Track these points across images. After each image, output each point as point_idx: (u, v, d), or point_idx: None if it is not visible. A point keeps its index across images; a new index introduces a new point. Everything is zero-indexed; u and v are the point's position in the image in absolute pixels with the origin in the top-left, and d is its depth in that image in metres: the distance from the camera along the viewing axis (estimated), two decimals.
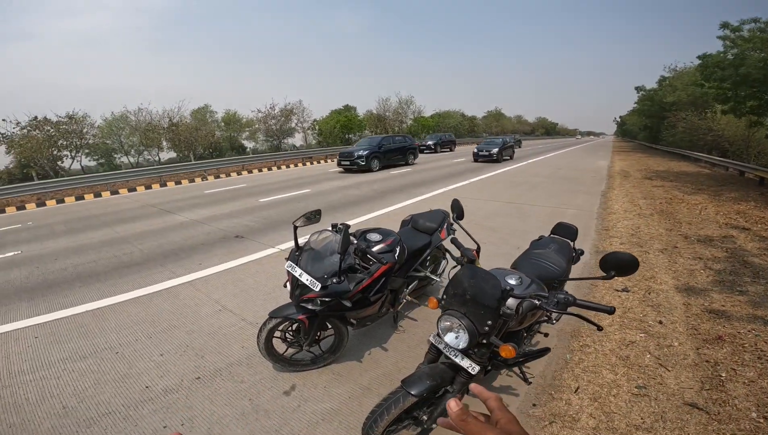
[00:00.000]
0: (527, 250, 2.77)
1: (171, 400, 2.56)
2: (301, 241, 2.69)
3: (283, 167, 20.34)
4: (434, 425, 2.01)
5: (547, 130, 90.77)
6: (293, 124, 32.01)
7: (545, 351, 2.08)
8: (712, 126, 19.42)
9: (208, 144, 25.49)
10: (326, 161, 23.10)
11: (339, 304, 2.49)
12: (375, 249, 2.79)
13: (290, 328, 2.79)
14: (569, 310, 1.67)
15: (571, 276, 2.61)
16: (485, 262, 4.77)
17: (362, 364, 2.92)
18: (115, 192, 13.89)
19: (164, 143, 24.76)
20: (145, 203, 10.90)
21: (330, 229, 2.75)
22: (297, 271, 2.48)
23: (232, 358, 3.02)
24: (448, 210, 3.83)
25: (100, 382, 2.81)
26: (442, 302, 1.95)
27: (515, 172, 14.79)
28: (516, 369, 2.54)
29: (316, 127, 34.84)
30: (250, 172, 18.65)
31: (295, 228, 2.61)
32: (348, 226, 2.55)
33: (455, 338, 1.84)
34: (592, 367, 2.84)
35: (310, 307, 2.49)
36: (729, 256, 5.10)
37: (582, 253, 2.93)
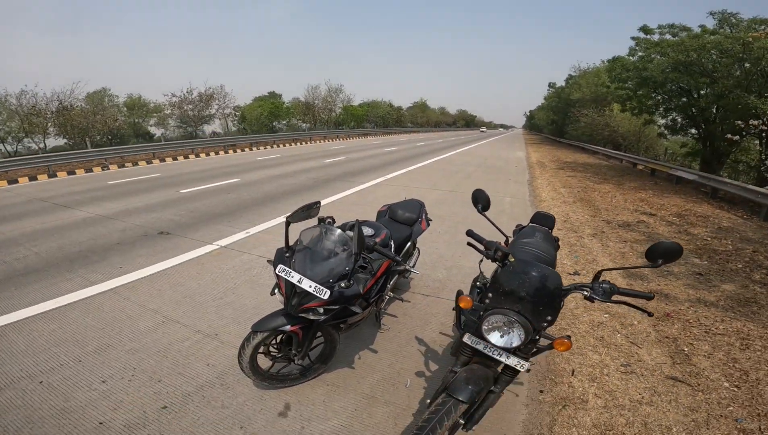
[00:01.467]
0: (514, 240, 2.74)
1: None
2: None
3: (203, 155, 18.55)
4: (473, 428, 1.87)
5: (467, 122, 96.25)
6: (213, 110, 29.44)
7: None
8: (610, 122, 22.13)
9: (107, 130, 22.25)
10: (251, 149, 21.63)
11: (346, 311, 2.16)
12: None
13: (275, 342, 2.38)
14: (614, 299, 1.67)
15: (610, 266, 2.64)
16: (446, 251, 4.83)
17: (356, 370, 2.66)
18: None
19: (51, 129, 21.04)
20: (32, 197, 9.05)
21: (318, 223, 2.35)
22: (294, 277, 2.06)
23: (200, 380, 2.54)
24: (409, 198, 3.73)
25: (33, 420, 2.17)
26: (487, 301, 1.79)
27: (447, 162, 15.30)
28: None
29: (238, 114, 32.52)
30: (163, 160, 16.64)
31: (288, 223, 2.19)
32: (359, 222, 2.22)
33: (502, 337, 1.72)
34: (577, 349, 2.97)
35: (311, 316, 2.11)
36: (648, 239, 5.78)
37: (558, 239, 2.99)
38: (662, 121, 15.48)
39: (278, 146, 23.85)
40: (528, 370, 2.44)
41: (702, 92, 12.36)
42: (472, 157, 17.81)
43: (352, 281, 2.09)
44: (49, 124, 20.63)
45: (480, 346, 1.78)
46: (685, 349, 3.01)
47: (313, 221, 2.36)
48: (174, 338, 2.99)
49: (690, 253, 5.24)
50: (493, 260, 1.90)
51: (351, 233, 2.23)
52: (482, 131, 71.43)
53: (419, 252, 3.78)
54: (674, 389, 2.56)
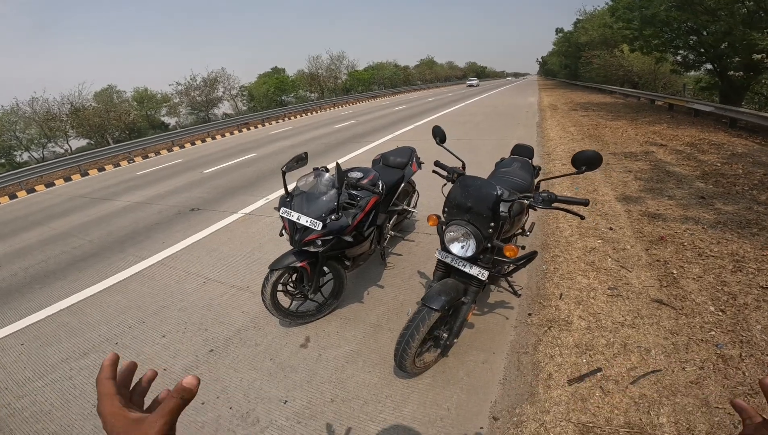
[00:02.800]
0: (495, 170, 3.01)
1: None
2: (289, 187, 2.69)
3: (218, 137, 19.04)
4: (455, 340, 2.22)
5: (478, 73, 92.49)
6: (220, 93, 29.70)
7: (534, 254, 2.28)
8: (623, 63, 21.05)
9: (123, 125, 22.97)
10: (263, 125, 21.96)
11: (340, 242, 2.55)
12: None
13: (290, 281, 2.81)
14: (553, 205, 1.91)
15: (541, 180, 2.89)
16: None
17: (365, 304, 3.07)
18: (31, 190, 12.22)
19: (71, 131, 21.90)
20: (72, 195, 9.82)
21: (313, 171, 2.76)
22: (294, 216, 2.48)
23: (237, 325, 3.00)
24: (401, 146, 3.99)
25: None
26: (444, 216, 2.12)
27: (457, 114, 15.21)
28: (505, 284, 2.78)
29: (245, 93, 32.62)
30: (182, 147, 17.26)
31: (284, 173, 2.59)
32: (338, 163, 2.58)
33: (462, 247, 2.03)
34: (567, 274, 3.17)
35: (312, 249, 2.52)
36: (653, 167, 5.84)
37: (540, 168, 3.24)
38: (674, 59, 14.70)
39: (289, 119, 24.04)
40: (519, 295, 2.77)
41: (709, 30, 11.66)
42: (482, 107, 17.52)
43: (341, 214, 2.49)
44: (67, 126, 21.48)
45: (448, 259, 2.10)
46: (675, 272, 3.03)
47: (307, 169, 2.78)
48: (214, 294, 3.50)
49: (695, 178, 5.24)
50: (451, 181, 2.23)
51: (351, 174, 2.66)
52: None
53: (418, 194, 4.13)
54: (658, 312, 2.60)
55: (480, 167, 5.60)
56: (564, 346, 2.39)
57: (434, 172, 2.52)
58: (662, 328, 2.46)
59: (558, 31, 40.27)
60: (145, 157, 15.78)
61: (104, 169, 14.15)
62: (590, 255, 3.43)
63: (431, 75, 62.33)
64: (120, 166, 14.60)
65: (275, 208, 2.75)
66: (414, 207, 3.98)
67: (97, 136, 21.64)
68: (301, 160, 2.71)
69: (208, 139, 18.48)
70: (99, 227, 6.18)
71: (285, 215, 2.53)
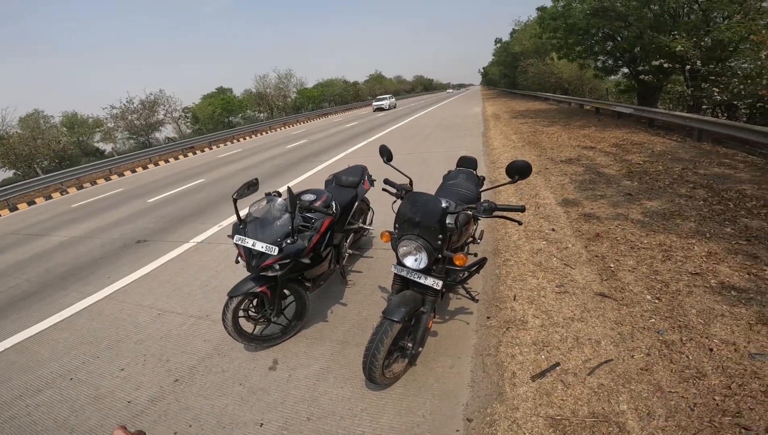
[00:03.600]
0: (442, 183, 3.18)
1: (164, 408, 2.46)
2: (242, 213, 2.68)
3: (162, 163, 18.18)
4: (420, 349, 2.31)
5: (425, 86, 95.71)
6: (161, 116, 28.38)
7: (484, 261, 2.43)
8: (554, 70, 22.84)
9: (53, 154, 21.26)
10: (211, 149, 21.24)
11: (297, 264, 2.58)
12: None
13: (251, 306, 2.79)
14: (494, 214, 2.08)
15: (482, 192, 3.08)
16: None
17: (329, 322, 3.09)
18: None
19: None
20: (1, 233, 8.94)
21: (265, 197, 2.77)
22: (249, 242, 2.48)
23: (200, 354, 2.94)
24: (353, 165, 4.07)
25: (75, 409, 2.56)
26: (395, 233, 2.22)
27: (407, 127, 15.65)
28: (463, 291, 2.90)
29: (189, 116, 31.44)
30: (121, 175, 16.28)
31: (235, 200, 2.57)
32: (289, 187, 2.62)
33: (415, 260, 2.14)
34: (518, 276, 3.34)
35: (270, 274, 2.53)
36: (586, 170, 6.37)
37: (484, 178, 3.44)
38: (595, 65, 16.20)
39: (239, 141, 23.46)
40: (477, 301, 2.89)
41: (622, 35, 12.95)
42: (430, 119, 18.17)
43: (296, 237, 2.52)
44: None
45: (403, 273, 2.20)
46: (612, 266, 3.24)
47: (259, 195, 2.81)
48: (172, 325, 3.38)
49: (622, 176, 5.79)
50: (400, 198, 2.35)
51: (306, 197, 2.73)
52: (449, 92, 70.04)
53: (373, 211, 4.24)
54: (602, 305, 2.77)
55: (432, 180, 5.83)
56: (523, 345, 2.51)
57: (384, 190, 2.63)
58: (608, 319, 2.63)
59: (497, 41, 42.91)
60: (80, 187, 14.71)
61: (35, 203, 13.03)
62: (537, 256, 3.63)
63: (381, 90, 63.66)
64: (52, 198, 13.49)
65: (228, 236, 2.73)
66: (369, 224, 4.07)
67: (24, 167, 19.81)
68: (252, 186, 2.71)
69: (151, 166, 17.60)
70: (36, 265, 5.72)
71: (239, 242, 2.53)
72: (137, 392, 2.63)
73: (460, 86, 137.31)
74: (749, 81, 8.71)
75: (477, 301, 2.94)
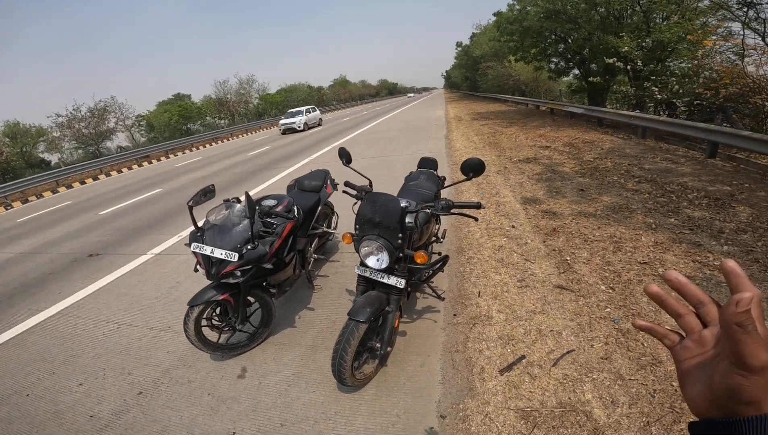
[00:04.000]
0: (404, 184, 3.23)
1: (129, 421, 2.37)
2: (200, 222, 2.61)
3: (114, 173, 17.26)
4: (389, 349, 2.33)
5: (390, 90, 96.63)
6: (112, 124, 26.91)
7: (446, 258, 2.49)
8: (511, 73, 23.74)
9: None
10: (167, 157, 20.39)
11: (259, 270, 2.52)
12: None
13: (214, 314, 2.71)
14: (452, 211, 2.15)
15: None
16: None
17: (297, 328, 3.04)
18: None
19: None
20: None
21: (223, 203, 2.71)
22: (207, 250, 2.41)
23: (164, 365, 2.83)
24: (315, 169, 4.05)
25: (35, 424, 2.41)
26: (356, 234, 2.23)
27: (372, 131, 15.72)
28: (429, 290, 2.94)
29: (143, 123, 30.05)
30: (69, 187, 15.30)
31: (191, 208, 2.49)
32: (247, 192, 2.56)
33: (377, 260, 2.16)
34: (482, 272, 3.43)
35: (231, 281, 2.46)
36: (542, 168, 6.66)
37: (444, 178, 3.52)
38: (548, 66, 17.00)
39: (198, 149, 22.65)
40: (443, 299, 2.94)
41: (572, 37, 13.68)
42: (395, 122, 18.36)
43: (257, 243, 2.47)
44: None
45: (366, 273, 2.22)
46: (568, 259, 3.38)
47: (217, 202, 2.75)
48: (131, 338, 3.23)
49: (576, 173, 6.13)
50: (360, 199, 2.38)
51: (269, 202, 2.70)
52: (410, 96, 68.51)
53: (338, 215, 4.23)
54: (561, 297, 2.86)
55: (396, 182, 5.85)
56: (489, 340, 2.57)
57: (344, 192, 2.66)
58: (567, 310, 2.73)
59: (458, 45, 43.90)
60: (25, 201, 13.70)
61: None
62: (499, 252, 3.75)
63: (345, 94, 63.60)
64: None
65: (186, 244, 2.64)
66: (334, 228, 4.05)
67: None
68: (208, 192, 2.64)
69: (102, 177, 16.68)
70: None
71: (197, 250, 2.45)
72: (99, 406, 2.52)
73: (423, 90, 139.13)
74: (686, 80, 9.39)
75: (443, 299, 2.99)
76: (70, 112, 24.66)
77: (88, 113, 25.10)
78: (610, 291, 2.87)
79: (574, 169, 6.45)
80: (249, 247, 2.44)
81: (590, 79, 13.21)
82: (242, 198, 2.81)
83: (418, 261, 2.09)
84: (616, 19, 11.74)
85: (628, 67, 11.08)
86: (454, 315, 2.91)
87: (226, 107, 34.56)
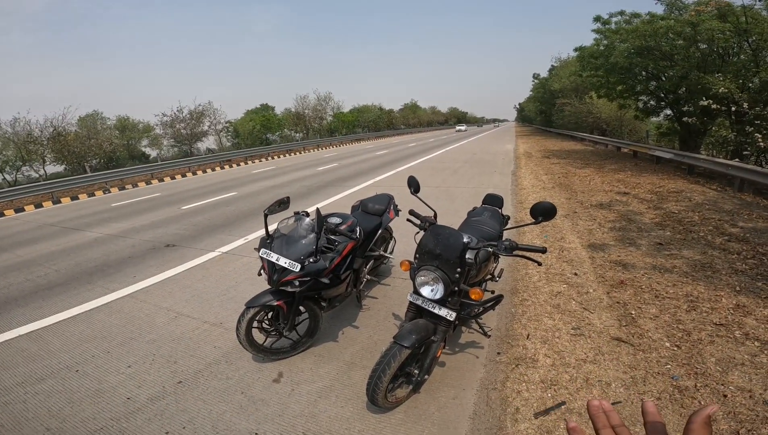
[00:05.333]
0: (466, 219, 3.20)
1: (161, 407, 2.51)
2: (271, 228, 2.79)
3: (200, 173, 19.05)
4: (426, 377, 2.33)
5: (459, 119, 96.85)
6: (205, 127, 29.92)
7: (500, 298, 2.44)
8: (591, 110, 22.59)
9: (103, 154, 22.71)
10: (246, 163, 22.13)
11: (316, 283, 2.64)
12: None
13: (266, 318, 2.85)
14: (515, 253, 2.11)
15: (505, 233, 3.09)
16: None
17: (339, 343, 3.10)
18: None
19: (48, 156, 21.48)
20: (42, 223, 9.54)
21: (294, 215, 2.89)
22: (273, 257, 2.59)
23: (208, 359, 2.99)
24: (380, 193, 4.16)
25: (73, 400, 2.64)
26: (415, 263, 2.27)
27: (437, 160, 15.76)
28: (476, 326, 2.87)
29: (230, 129, 33.03)
30: (161, 180, 17.16)
31: (266, 216, 2.70)
32: (318, 208, 2.73)
33: (431, 290, 2.17)
34: (534, 316, 3.32)
35: (289, 289, 2.61)
36: (617, 216, 6.19)
37: (509, 217, 3.45)
38: (636, 105, 15.87)
39: (273, 158, 24.34)
40: (489, 336, 2.87)
41: (666, 74, 12.66)
42: (461, 153, 18.28)
43: (318, 257, 2.61)
44: (46, 151, 21.09)
45: (419, 302, 2.24)
46: (633, 313, 3.23)
47: (288, 213, 2.94)
48: (186, 329, 3.47)
49: (655, 225, 5.62)
50: (423, 230, 2.46)
51: (333, 220, 2.88)
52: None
53: (395, 240, 4.27)
54: (617, 349, 2.77)
55: (456, 215, 5.82)
56: (530, 382, 2.50)
57: (408, 220, 2.75)
58: (621, 363, 2.61)
59: (535, 76, 42.84)
60: (122, 188, 15.58)
61: (78, 199, 13.86)
62: (556, 298, 3.59)
63: (414, 119, 64.85)
64: (95, 195, 14.34)
65: (255, 249, 2.84)
66: (391, 253, 4.09)
67: (74, 163, 21.23)
68: (283, 203, 2.86)
69: (189, 174, 18.46)
70: (67, 257, 6.04)
71: (265, 256, 2.63)
72: (138, 390, 2.69)
73: (494, 121, 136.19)
74: None
75: (489, 336, 2.91)
76: (174, 113, 27.72)
77: (188, 115, 28.12)
78: (675, 348, 2.74)
79: (654, 220, 5.91)
80: (311, 260, 2.58)
81: (684, 119, 12.08)
82: (310, 211, 2.98)
83: (473, 297, 2.11)
84: (720, 57, 10.75)
85: (732, 108, 9.97)
86: (498, 353, 2.85)
87: (303, 121, 36.89)
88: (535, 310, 3.42)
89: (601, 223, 5.82)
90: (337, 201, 8.64)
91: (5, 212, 11.88)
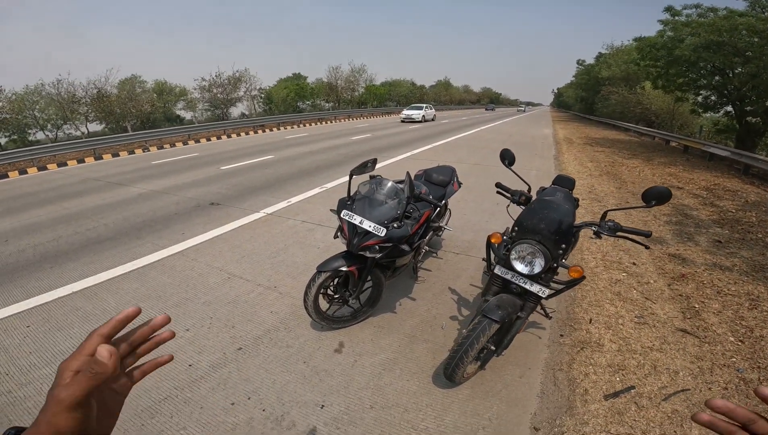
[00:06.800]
0: (537, 198, 3.06)
1: (224, 376, 2.44)
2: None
3: (234, 136, 19.24)
4: (503, 352, 2.32)
5: (491, 99, 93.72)
6: (241, 93, 30.06)
7: (582, 277, 2.31)
8: (641, 100, 21.35)
9: (142, 115, 23.26)
10: (278, 129, 22.20)
11: (394, 249, 2.54)
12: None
13: (332, 284, 2.76)
14: (618, 233, 2.03)
15: (579, 217, 2.97)
16: (473, 217, 5.19)
17: (397, 314, 3.08)
18: (42, 168, 12.25)
19: (91, 115, 22.21)
20: (85, 177, 9.84)
21: (372, 179, 2.79)
22: (356, 219, 2.47)
23: (266, 325, 2.95)
24: (442, 164, 4.05)
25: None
26: (513, 235, 2.20)
27: (472, 138, 15.38)
28: (538, 307, 2.82)
29: (263, 96, 33.11)
30: (197, 141, 17.42)
31: (351, 176, 2.61)
32: (408, 173, 2.64)
33: (526, 265, 2.10)
34: (595, 302, 3.28)
35: (368, 254, 2.49)
36: (673, 210, 5.92)
37: (578, 200, 3.29)
38: (695, 99, 14.93)
39: (304, 126, 24.31)
40: (550, 318, 2.81)
41: (736, 71, 11.88)
42: (497, 133, 17.76)
43: (402, 223, 2.51)
44: (90, 110, 21.77)
45: (508, 276, 2.17)
46: (696, 306, 3.24)
47: (367, 177, 2.85)
48: (240, 291, 3.44)
49: (712, 222, 5.37)
50: (518, 204, 2.41)
51: (400, 186, 2.73)
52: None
53: (450, 212, 4.20)
54: (683, 340, 2.80)
55: (497, 196, 5.64)
56: (597, 365, 2.53)
57: (498, 193, 2.71)
58: (688, 353, 2.67)
59: (579, 63, 40.78)
60: (160, 147, 15.91)
61: (118, 156, 14.26)
62: (616, 286, 3.55)
63: (446, 97, 63.15)
64: (135, 153, 14.71)
65: (332, 211, 2.77)
66: (447, 224, 4.01)
67: (114, 123, 21.87)
68: (370, 165, 2.70)
69: (224, 137, 18.68)
70: (114, 211, 6.11)
71: (347, 218, 2.51)
72: (199, 356, 2.61)
73: (528, 104, 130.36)
74: None
75: (551, 318, 2.84)
76: (213, 78, 27.90)
77: (226, 80, 28.24)
78: (739, 343, 2.79)
79: (710, 217, 5.64)
80: (395, 225, 2.47)
81: (747, 119, 11.32)
82: (378, 175, 2.89)
83: (573, 275, 2.05)
84: None
85: None
86: (561, 335, 2.85)
87: (335, 92, 36.49)
88: (596, 296, 3.38)
89: (655, 216, 5.57)
90: (378, 171, 8.55)
91: (48, 166, 12.32)
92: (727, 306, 3.26)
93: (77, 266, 4.09)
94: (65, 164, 12.74)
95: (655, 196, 1.91)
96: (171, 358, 0.54)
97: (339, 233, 2.68)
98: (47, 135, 22.97)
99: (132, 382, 0.50)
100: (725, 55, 11.17)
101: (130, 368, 0.50)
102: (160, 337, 0.52)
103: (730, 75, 12.18)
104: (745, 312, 3.18)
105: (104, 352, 0.42)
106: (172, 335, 0.54)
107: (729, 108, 13.69)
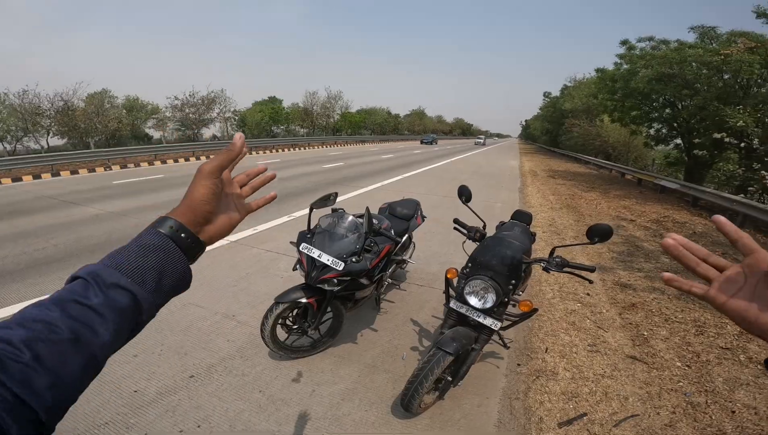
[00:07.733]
0: (495, 233, 3.17)
1: (173, 403, 2.38)
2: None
3: (203, 158, 18.91)
4: (460, 383, 2.37)
5: (463, 130, 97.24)
6: (214, 114, 29.74)
7: (535, 311, 2.41)
8: (600, 133, 22.78)
9: (108, 131, 22.51)
10: (251, 154, 22.01)
11: (353, 283, 2.58)
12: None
13: (291, 315, 2.77)
14: (565, 269, 2.14)
15: (532, 251, 3.10)
16: (439, 249, 5.27)
17: (358, 345, 3.06)
18: None
19: (54, 128, 21.31)
20: (39, 194, 9.32)
21: (334, 213, 2.85)
22: (315, 252, 2.50)
23: (221, 353, 2.88)
24: (407, 197, 4.17)
25: None
26: (467, 270, 2.28)
27: (442, 169, 15.80)
28: (496, 337, 2.88)
29: (237, 118, 32.93)
30: (164, 162, 17.01)
31: (311, 209, 2.65)
32: (368, 208, 2.69)
33: (479, 300, 2.18)
34: (551, 331, 3.40)
35: (326, 287, 2.51)
36: (624, 241, 6.27)
37: (535, 234, 3.44)
38: (647, 132, 16.02)
39: (277, 151, 24.27)
40: (508, 347, 2.88)
41: (684, 103, 12.74)
42: (466, 165, 18.37)
43: (361, 257, 2.55)
44: (53, 123, 20.90)
45: (463, 310, 2.24)
46: (645, 334, 3.42)
47: (328, 210, 2.88)
48: (194, 318, 3.34)
49: (661, 253, 5.68)
50: (473, 240, 2.49)
51: (361, 220, 2.75)
52: (478, 142, 49.56)
53: (414, 245, 4.24)
54: (632, 366, 2.94)
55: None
56: (552, 393, 2.62)
57: (455, 229, 2.77)
58: (637, 379, 2.79)
59: (545, 95, 43.08)
60: (124, 166, 15.40)
61: (77, 173, 13.63)
62: (571, 316, 3.70)
63: (420, 126, 65.05)
64: (95, 172, 14.12)
65: (291, 243, 2.79)
66: (410, 257, 4.06)
67: (77, 138, 21.02)
68: (330, 199, 2.79)
69: (192, 159, 18.34)
70: (66, 232, 5.80)
71: (305, 251, 2.55)
72: (147, 382, 2.54)
73: (497, 135, 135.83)
74: None
75: (508, 347, 2.91)
76: (186, 97, 27.36)
77: (199, 100, 27.79)
78: (686, 368, 2.94)
79: (659, 248, 5.97)
80: (354, 259, 2.52)
81: (694, 152, 12.19)
82: (340, 209, 2.93)
83: (523, 309, 2.17)
84: (742, 89, 10.85)
85: (742, 144, 10.08)
86: (518, 365, 2.92)
87: (310, 117, 36.79)
88: (552, 326, 3.50)
89: (609, 248, 5.86)
90: (346, 200, 8.59)
91: (2, 181, 11.65)
92: (674, 333, 3.46)
93: (20, 287, 3.91)
94: (20, 179, 12.04)
95: (598, 234, 2.06)
96: (275, 196, 0.72)
97: (298, 266, 2.69)
98: (5, 147, 21.79)
99: (249, 210, 0.65)
100: (675, 87, 11.98)
101: (247, 197, 0.66)
102: (266, 176, 0.70)
103: (680, 107, 13.06)
104: (691, 338, 3.37)
105: (237, 137, 0.58)
106: (274, 175, 0.73)
107: (679, 141, 14.66)
